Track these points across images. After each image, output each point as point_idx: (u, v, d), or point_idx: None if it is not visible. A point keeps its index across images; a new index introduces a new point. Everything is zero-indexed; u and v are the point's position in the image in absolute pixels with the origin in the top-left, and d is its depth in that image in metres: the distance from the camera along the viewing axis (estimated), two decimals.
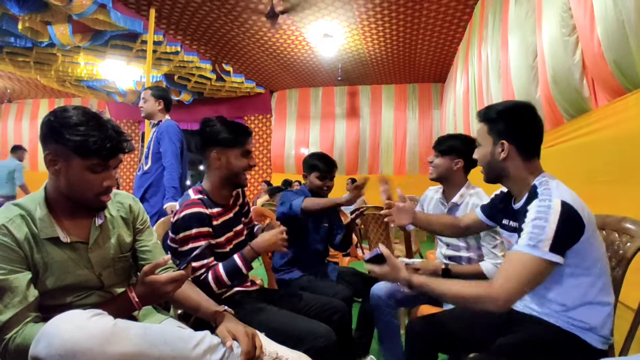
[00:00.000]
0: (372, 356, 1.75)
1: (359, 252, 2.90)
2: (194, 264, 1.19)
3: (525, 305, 1.09)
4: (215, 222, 1.30)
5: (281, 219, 1.72)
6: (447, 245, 1.67)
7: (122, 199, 1.08)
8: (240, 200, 1.49)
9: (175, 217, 1.27)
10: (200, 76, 6.38)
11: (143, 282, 0.89)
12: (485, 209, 1.29)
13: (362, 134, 7.71)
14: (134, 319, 0.99)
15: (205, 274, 1.21)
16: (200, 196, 1.30)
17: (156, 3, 4.49)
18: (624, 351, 0.95)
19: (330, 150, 7.74)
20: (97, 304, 0.93)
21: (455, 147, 1.60)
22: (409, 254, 2.23)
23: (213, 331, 0.95)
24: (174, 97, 7.01)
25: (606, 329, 0.95)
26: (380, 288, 1.63)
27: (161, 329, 0.84)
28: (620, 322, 1.03)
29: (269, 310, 1.25)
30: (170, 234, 1.31)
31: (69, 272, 0.91)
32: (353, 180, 6.07)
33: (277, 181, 7.38)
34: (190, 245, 1.21)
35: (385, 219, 1.40)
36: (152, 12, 4.49)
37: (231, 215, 1.39)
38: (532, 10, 2.35)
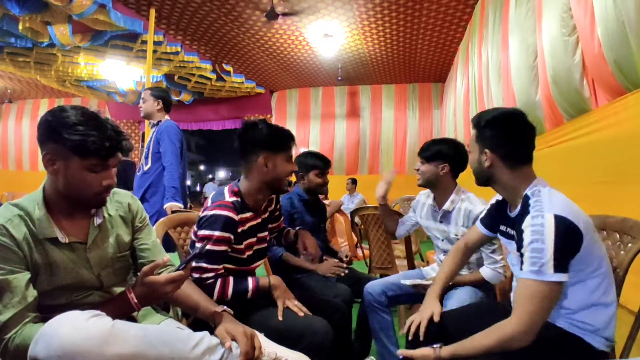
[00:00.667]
0: (372, 357, 1.75)
1: (359, 252, 2.90)
2: (202, 265, 1.19)
3: None
4: (241, 228, 1.28)
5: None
6: (444, 251, 1.67)
7: (120, 198, 1.07)
8: (272, 206, 1.48)
9: (204, 213, 1.25)
10: (201, 76, 6.38)
11: (142, 283, 0.89)
12: (485, 220, 1.27)
13: (362, 134, 7.72)
14: (133, 319, 0.99)
15: (212, 280, 1.20)
16: (234, 199, 1.27)
17: (156, 3, 4.49)
18: (625, 354, 0.95)
19: (330, 150, 7.75)
20: (97, 303, 0.93)
21: (441, 152, 1.59)
22: (409, 254, 2.23)
23: (212, 332, 0.95)
24: (174, 97, 7.01)
25: (610, 330, 0.94)
26: (372, 286, 1.64)
27: (160, 330, 0.84)
28: (620, 324, 1.03)
29: (267, 309, 1.25)
30: (195, 226, 1.30)
31: (67, 272, 0.91)
32: (353, 180, 6.08)
33: None
34: (208, 247, 1.19)
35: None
36: (152, 12, 4.49)
37: (259, 221, 1.38)
38: (532, 10, 2.35)
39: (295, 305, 1.23)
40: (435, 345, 0.98)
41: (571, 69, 1.85)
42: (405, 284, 1.56)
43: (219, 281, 1.21)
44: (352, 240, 3.01)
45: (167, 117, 2.56)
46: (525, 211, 0.97)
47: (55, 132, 0.85)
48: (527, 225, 0.93)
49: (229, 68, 6.56)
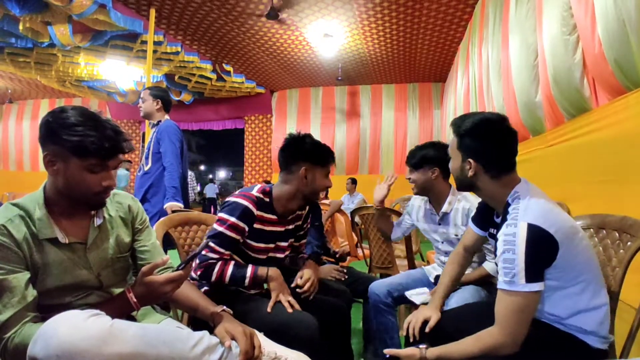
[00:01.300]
0: None
1: (360, 251, 2.90)
2: (211, 244, 1.23)
3: None
4: (258, 226, 1.32)
5: None
6: (445, 253, 1.66)
7: (121, 199, 1.07)
8: (300, 222, 1.50)
9: (228, 199, 1.32)
10: (201, 76, 6.38)
11: (141, 283, 0.89)
12: (476, 219, 1.26)
13: (363, 134, 7.72)
14: (133, 319, 0.99)
15: (215, 262, 1.25)
16: (260, 196, 1.33)
17: (156, 3, 4.49)
18: (624, 352, 0.95)
19: None
20: (96, 303, 0.93)
21: (427, 157, 1.59)
22: (410, 254, 2.22)
23: (212, 331, 0.95)
24: (175, 97, 7.02)
25: (604, 330, 0.94)
26: (378, 287, 1.63)
27: (159, 329, 0.84)
28: (620, 323, 1.03)
29: (254, 301, 1.27)
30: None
31: (67, 272, 0.91)
32: (353, 180, 6.08)
33: (277, 181, 7.39)
34: (220, 229, 1.25)
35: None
36: (152, 12, 4.49)
37: (282, 229, 1.40)
38: (532, 9, 2.35)
39: (288, 301, 1.23)
40: (421, 346, 0.98)
41: (572, 68, 1.84)
42: (414, 301, 1.53)
43: (219, 263, 1.24)
44: (352, 240, 3.01)
45: (167, 117, 2.56)
46: (505, 219, 0.96)
47: (54, 133, 0.85)
48: (500, 234, 0.93)
49: (229, 68, 6.56)
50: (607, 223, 1.11)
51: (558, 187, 2.06)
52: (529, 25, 2.38)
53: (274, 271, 1.29)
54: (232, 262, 1.27)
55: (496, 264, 0.94)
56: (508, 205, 0.99)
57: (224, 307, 1.05)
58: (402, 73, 6.95)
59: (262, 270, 1.28)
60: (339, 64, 6.38)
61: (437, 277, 1.63)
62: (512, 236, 0.89)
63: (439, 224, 1.64)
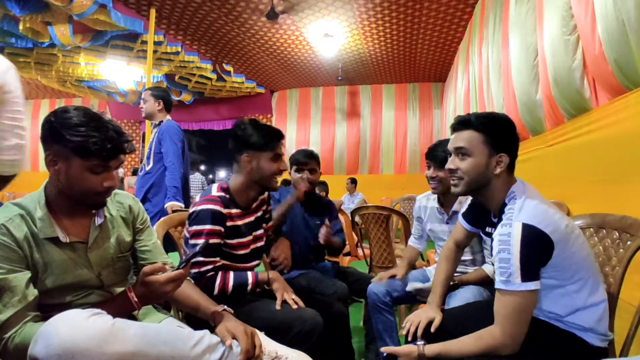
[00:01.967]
0: None
1: (360, 251, 2.90)
2: (200, 258, 1.22)
3: None
4: (230, 223, 1.31)
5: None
6: None
7: (122, 199, 1.08)
8: (265, 206, 1.50)
9: (192, 209, 1.29)
10: (201, 76, 6.39)
11: (142, 282, 0.89)
12: (467, 216, 1.25)
13: (363, 134, 7.72)
14: (134, 318, 0.99)
15: (212, 273, 1.24)
16: (221, 194, 1.32)
17: (156, 3, 4.49)
18: (624, 351, 0.95)
19: (330, 150, 7.75)
20: (97, 303, 0.93)
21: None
22: None
23: (212, 330, 0.95)
24: (175, 98, 7.02)
25: (603, 327, 0.94)
26: (377, 286, 1.63)
27: (160, 328, 0.84)
28: (620, 322, 1.03)
29: (255, 302, 1.28)
30: (187, 223, 1.33)
31: (68, 272, 0.91)
32: (353, 180, 6.07)
33: None
34: (202, 240, 1.23)
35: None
36: (153, 12, 4.49)
37: (252, 219, 1.40)
38: (532, 9, 2.35)
39: (292, 299, 1.26)
40: (419, 342, 0.98)
41: (572, 68, 1.84)
42: (408, 290, 1.54)
43: (219, 275, 1.24)
44: (352, 239, 3.01)
45: (168, 117, 2.58)
46: (501, 219, 0.97)
47: (57, 132, 0.85)
48: (496, 234, 0.93)
49: (229, 68, 6.56)
50: (607, 222, 1.11)
51: (558, 186, 2.06)
52: (529, 25, 2.38)
53: (274, 274, 1.33)
54: (231, 273, 1.27)
55: (492, 264, 0.94)
56: (504, 205, 0.99)
57: (225, 307, 1.05)
58: (402, 73, 6.95)
59: (262, 275, 1.31)
60: (339, 64, 6.39)
61: None
62: (507, 236, 0.89)
63: (447, 223, 1.63)
